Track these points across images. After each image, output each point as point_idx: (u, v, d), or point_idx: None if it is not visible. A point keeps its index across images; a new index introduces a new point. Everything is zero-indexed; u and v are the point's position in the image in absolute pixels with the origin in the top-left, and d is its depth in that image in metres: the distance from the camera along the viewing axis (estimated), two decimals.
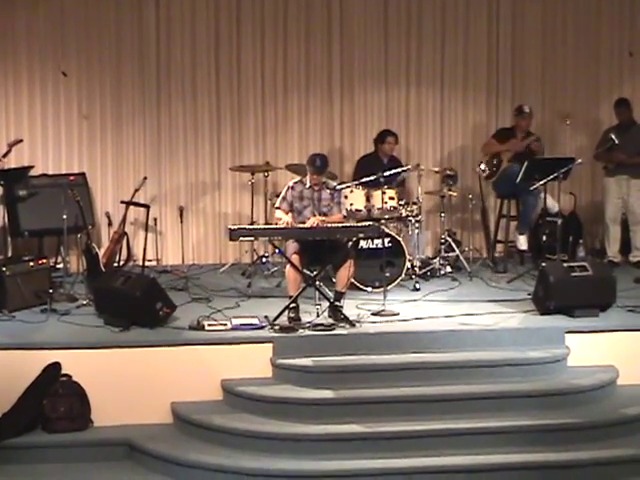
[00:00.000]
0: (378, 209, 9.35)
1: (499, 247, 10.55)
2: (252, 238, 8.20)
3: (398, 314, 8.14)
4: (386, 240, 9.04)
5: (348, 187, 9.08)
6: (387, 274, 8.70)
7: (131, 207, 10.01)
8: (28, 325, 7.84)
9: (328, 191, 8.25)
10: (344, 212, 8.41)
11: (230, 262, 10.51)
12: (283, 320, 7.76)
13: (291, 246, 8.07)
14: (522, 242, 10.15)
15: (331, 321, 7.82)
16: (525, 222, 10.12)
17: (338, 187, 8.40)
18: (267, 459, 6.65)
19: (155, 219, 10.51)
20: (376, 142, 10.36)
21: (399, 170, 9.41)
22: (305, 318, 7.87)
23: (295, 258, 7.91)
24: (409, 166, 9.77)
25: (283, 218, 8.09)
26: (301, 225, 8.03)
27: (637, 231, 10.34)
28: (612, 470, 6.68)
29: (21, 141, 9.79)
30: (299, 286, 7.92)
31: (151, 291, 7.81)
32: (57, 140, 10.52)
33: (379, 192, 9.24)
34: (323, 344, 7.48)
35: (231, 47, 10.72)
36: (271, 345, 7.43)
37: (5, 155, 9.47)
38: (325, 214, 8.17)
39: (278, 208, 8.28)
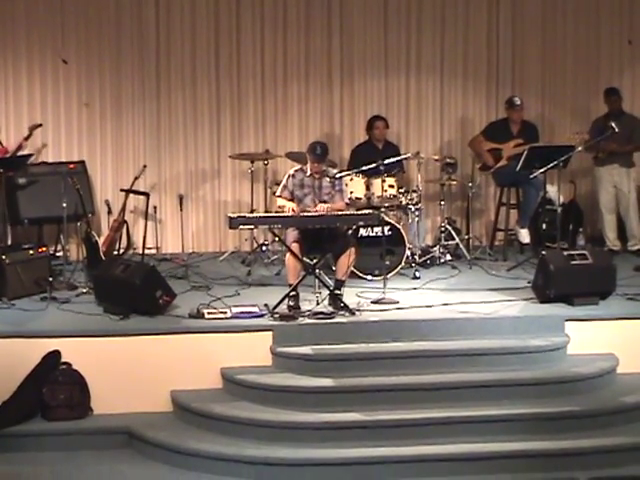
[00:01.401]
0: (378, 197, 9.33)
1: (499, 235, 10.54)
2: (252, 226, 8.20)
3: (398, 302, 8.14)
4: (386, 228, 9.03)
5: (348, 175, 9.07)
6: (387, 262, 8.70)
7: (131, 195, 9.99)
8: (28, 313, 7.85)
9: (328, 179, 8.24)
10: (346, 200, 8.40)
11: (230, 250, 10.49)
12: (283, 308, 7.76)
13: (291, 234, 8.06)
14: (524, 236, 10.08)
15: (331, 309, 7.82)
16: (526, 215, 10.06)
17: (338, 175, 8.39)
18: (267, 447, 6.66)
19: (155, 207, 10.48)
20: (367, 130, 10.34)
21: (399, 158, 9.40)
22: (305, 306, 7.88)
23: (295, 246, 7.90)
24: (409, 154, 9.76)
25: (287, 205, 8.08)
26: (306, 212, 8.02)
27: (628, 221, 10.31)
28: (612, 458, 6.70)
29: (40, 125, 10.03)
30: (299, 274, 7.92)
31: (151, 279, 7.81)
32: (57, 128, 10.46)
33: (379, 180, 9.22)
34: (323, 332, 7.49)
35: (231, 35, 10.66)
36: (271, 333, 7.44)
37: (27, 138, 9.82)
38: (326, 202, 8.16)
39: (279, 196, 8.26)
